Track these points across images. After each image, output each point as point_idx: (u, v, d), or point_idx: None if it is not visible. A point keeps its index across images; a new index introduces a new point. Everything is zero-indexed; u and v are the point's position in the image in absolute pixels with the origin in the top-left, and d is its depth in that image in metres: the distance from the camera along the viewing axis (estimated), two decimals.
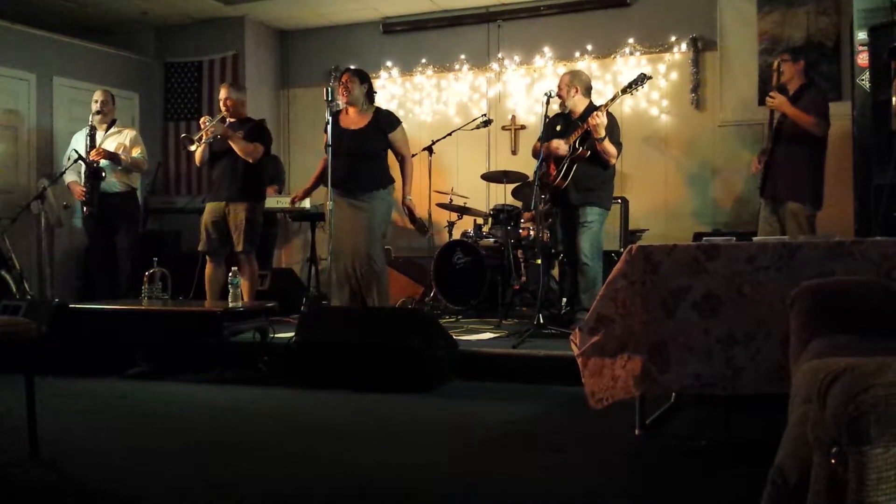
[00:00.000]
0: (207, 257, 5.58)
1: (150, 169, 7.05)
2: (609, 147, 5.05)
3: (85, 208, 6.14)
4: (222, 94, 5.60)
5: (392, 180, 5.23)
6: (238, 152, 5.38)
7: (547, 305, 5.55)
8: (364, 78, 5.26)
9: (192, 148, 5.51)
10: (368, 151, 5.10)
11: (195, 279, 5.75)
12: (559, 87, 5.28)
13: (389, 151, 5.24)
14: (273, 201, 6.69)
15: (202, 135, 5.41)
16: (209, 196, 5.63)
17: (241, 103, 5.67)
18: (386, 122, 5.21)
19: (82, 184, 6.10)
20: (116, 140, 6.20)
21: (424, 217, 6.25)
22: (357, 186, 5.07)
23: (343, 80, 5.20)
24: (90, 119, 6.23)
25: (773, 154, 5.01)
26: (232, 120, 5.56)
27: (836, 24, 6.28)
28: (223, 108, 5.55)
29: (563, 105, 5.29)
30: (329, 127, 4.96)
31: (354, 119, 5.19)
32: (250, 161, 5.43)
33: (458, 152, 7.22)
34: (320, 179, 5.32)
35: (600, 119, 4.90)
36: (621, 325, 3.01)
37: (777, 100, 4.94)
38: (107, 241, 6.24)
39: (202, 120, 5.56)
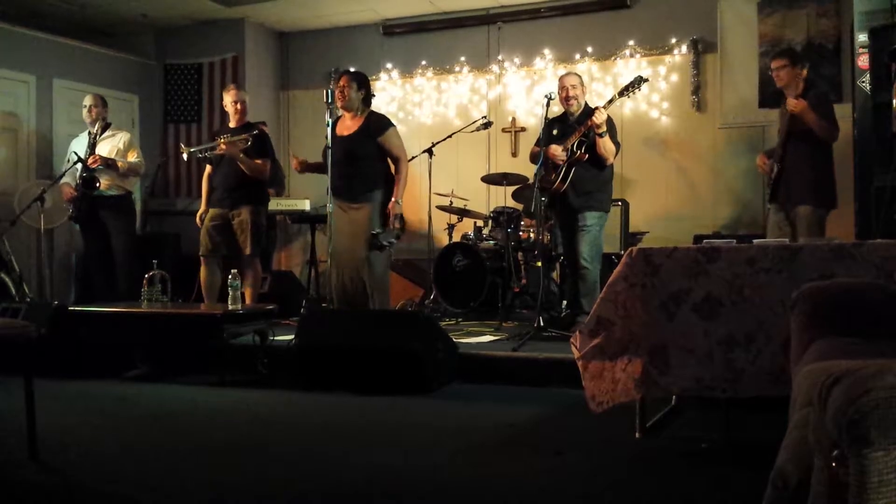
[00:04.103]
0: (203, 260, 5.60)
1: (149, 171, 7.04)
2: (609, 144, 5.09)
3: (71, 210, 6.12)
4: (234, 96, 5.62)
5: (387, 182, 5.11)
6: (247, 173, 5.42)
7: (547, 308, 5.55)
8: (362, 82, 5.13)
9: (184, 156, 5.69)
10: (359, 155, 5.01)
11: (196, 283, 5.75)
12: (570, 87, 5.25)
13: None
14: (273, 203, 6.68)
15: (214, 149, 5.44)
16: (211, 202, 5.62)
17: (247, 105, 5.72)
18: (376, 126, 5.08)
19: (74, 187, 6.07)
20: (110, 143, 6.16)
21: (423, 220, 6.25)
22: (353, 191, 5.01)
23: (340, 83, 5.08)
24: (88, 124, 6.21)
25: (784, 158, 4.91)
26: (233, 125, 5.58)
27: (836, 26, 6.27)
28: (234, 111, 5.57)
29: (569, 105, 5.27)
30: (329, 132, 4.95)
31: (349, 124, 5.13)
32: (260, 178, 5.49)
33: (458, 154, 7.22)
34: (322, 168, 5.14)
35: (602, 116, 4.98)
36: (622, 328, 3.00)
37: (799, 105, 4.73)
38: (103, 245, 6.22)
39: (220, 146, 5.52)
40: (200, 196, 5.91)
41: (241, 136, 5.43)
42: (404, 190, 5.12)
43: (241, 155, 5.36)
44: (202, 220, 5.59)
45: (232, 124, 5.66)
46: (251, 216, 5.45)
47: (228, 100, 5.65)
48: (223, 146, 5.41)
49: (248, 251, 5.44)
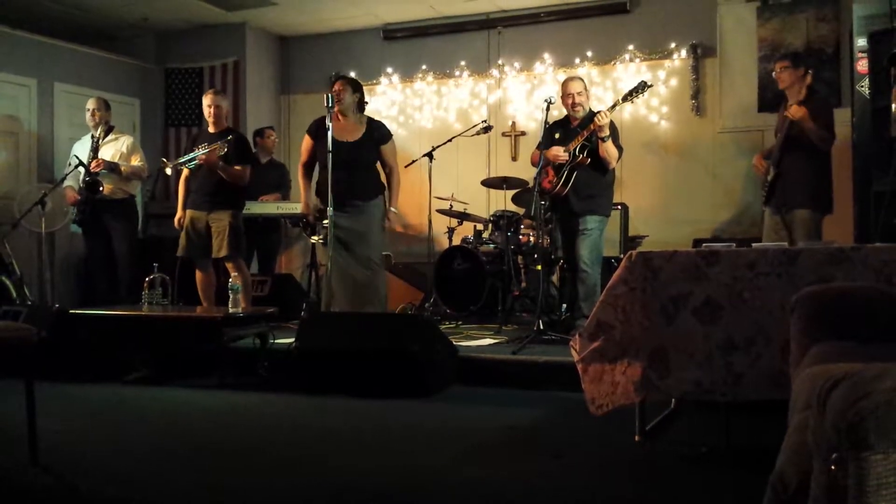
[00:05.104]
0: (195, 265, 5.63)
1: (150, 175, 7.03)
2: (611, 148, 5.09)
3: (76, 215, 6.14)
4: (210, 100, 5.62)
5: (384, 188, 5.30)
6: (228, 180, 5.45)
7: (547, 311, 5.56)
8: (356, 87, 5.28)
9: (168, 171, 5.80)
10: (365, 162, 5.17)
11: (173, 284, 5.69)
12: (576, 94, 5.25)
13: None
14: (273, 207, 6.69)
15: (194, 160, 5.46)
16: (189, 204, 5.64)
17: (226, 111, 5.75)
18: (379, 134, 5.26)
19: (77, 191, 6.08)
20: (113, 147, 6.17)
21: (423, 223, 6.24)
22: (356, 196, 5.10)
23: (336, 88, 5.18)
24: (91, 127, 6.21)
25: (781, 162, 4.91)
26: (212, 131, 5.60)
27: (835, 30, 6.29)
28: (210, 115, 5.59)
29: (575, 111, 5.27)
30: (329, 134, 4.95)
31: (349, 130, 5.19)
32: (239, 184, 5.53)
33: (459, 158, 7.23)
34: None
35: (606, 119, 4.98)
36: (621, 331, 3.01)
37: (799, 112, 4.74)
38: (105, 248, 6.22)
39: (200, 157, 5.52)
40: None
41: (217, 145, 5.45)
42: (397, 198, 5.28)
43: (221, 163, 5.39)
44: (181, 224, 5.63)
45: (210, 129, 5.66)
46: (230, 220, 5.50)
47: (205, 104, 5.66)
48: (202, 157, 5.44)
49: (222, 253, 5.46)
